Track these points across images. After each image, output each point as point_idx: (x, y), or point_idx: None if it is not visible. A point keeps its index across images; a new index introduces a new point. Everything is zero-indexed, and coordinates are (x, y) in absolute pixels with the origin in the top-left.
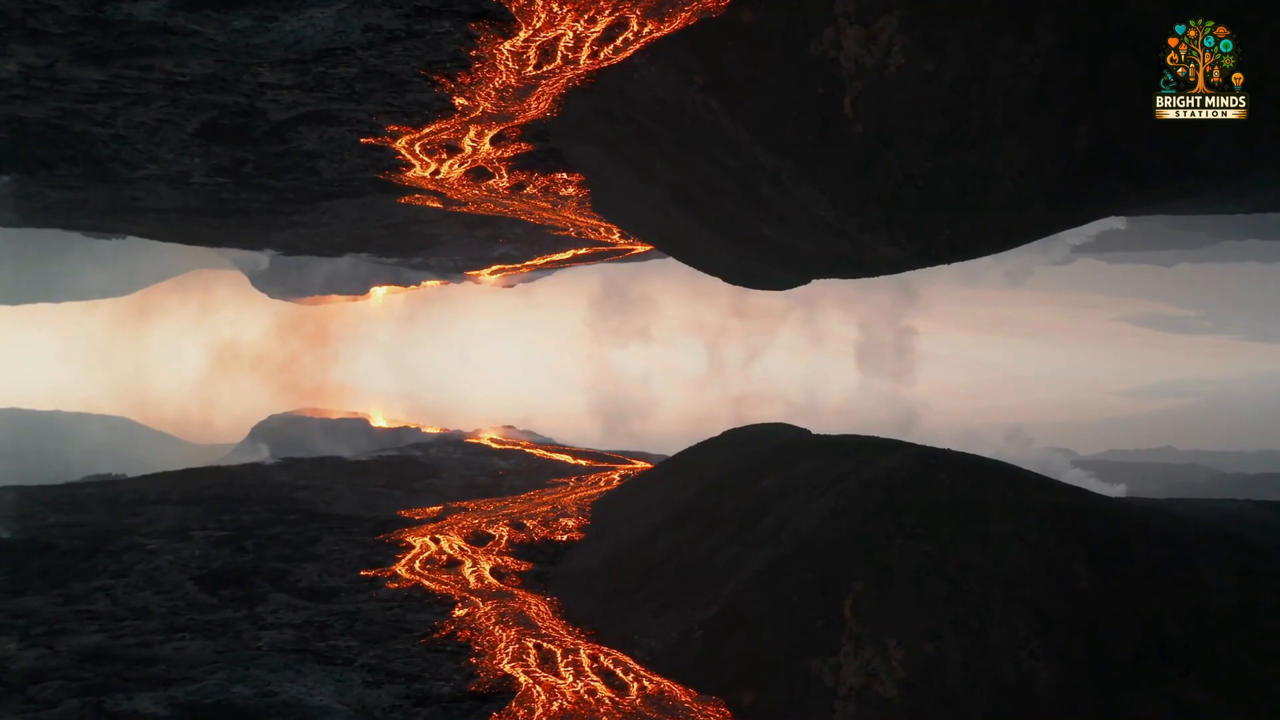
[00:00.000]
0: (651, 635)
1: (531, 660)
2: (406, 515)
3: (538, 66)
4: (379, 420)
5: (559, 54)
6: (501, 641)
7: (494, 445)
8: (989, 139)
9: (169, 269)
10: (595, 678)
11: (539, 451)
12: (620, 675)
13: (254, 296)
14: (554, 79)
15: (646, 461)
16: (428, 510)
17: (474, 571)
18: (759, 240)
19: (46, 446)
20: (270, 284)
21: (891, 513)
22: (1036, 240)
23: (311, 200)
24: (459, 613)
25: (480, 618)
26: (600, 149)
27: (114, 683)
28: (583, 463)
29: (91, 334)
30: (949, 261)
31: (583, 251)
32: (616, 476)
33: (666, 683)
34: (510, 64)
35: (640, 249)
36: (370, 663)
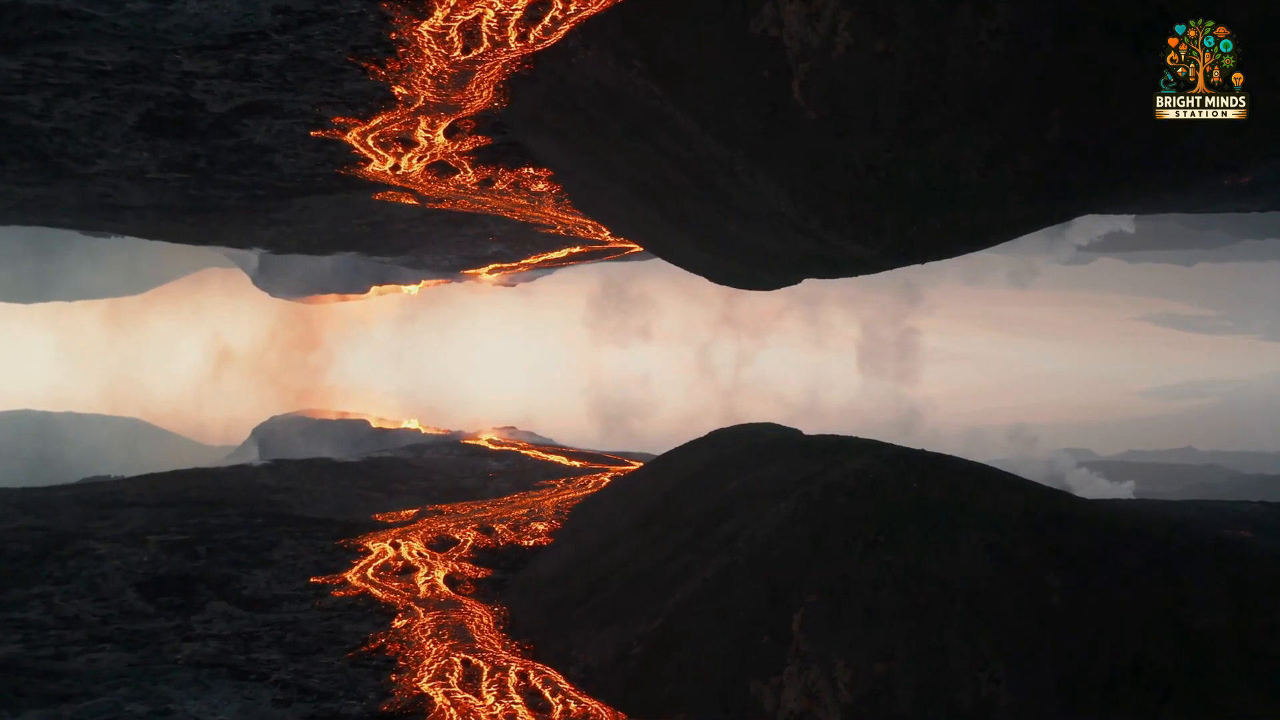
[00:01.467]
0: (589, 650)
1: (455, 678)
2: (380, 519)
3: (465, 50)
4: (379, 421)
5: (484, 35)
6: (429, 656)
7: (491, 446)
8: (953, 127)
9: (174, 268)
10: (518, 698)
11: (534, 453)
12: (546, 695)
13: (257, 297)
14: (488, 65)
15: (642, 462)
16: (403, 513)
17: (427, 579)
18: (725, 238)
19: (51, 448)
20: (272, 284)
21: (853, 518)
22: (1016, 238)
23: (284, 197)
24: (398, 624)
25: (416, 630)
26: (556, 141)
27: (7, 698)
28: (576, 464)
29: (98, 334)
30: (923, 261)
31: (577, 250)
32: (606, 478)
33: (595, 704)
34: (435, 47)
35: (636, 247)
36: (286, 678)
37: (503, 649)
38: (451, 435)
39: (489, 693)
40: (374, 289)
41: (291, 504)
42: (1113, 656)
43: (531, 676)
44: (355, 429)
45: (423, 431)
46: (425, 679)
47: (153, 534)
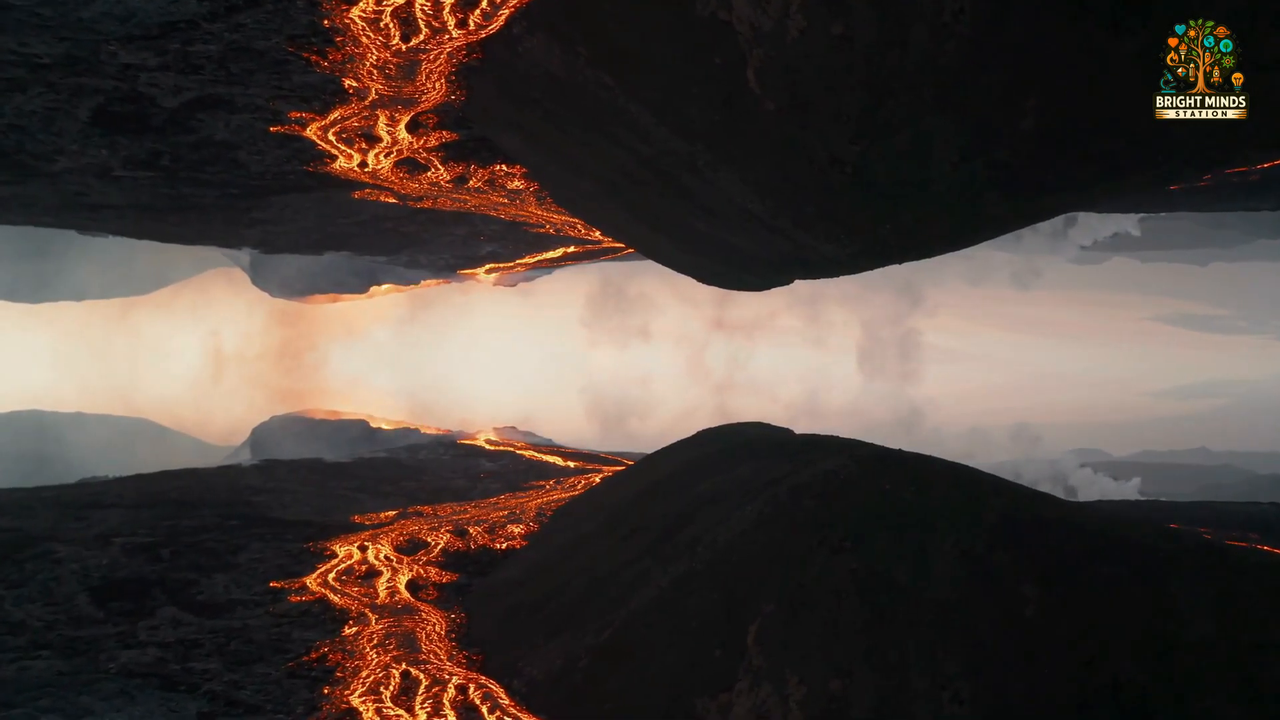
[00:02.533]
0: (536, 662)
1: (389, 691)
2: (358, 520)
3: (405, 38)
4: (379, 421)
5: (421, 21)
6: (367, 668)
7: (487, 447)
8: (920, 117)
9: (174, 267)
10: (451, 714)
11: (530, 453)
12: (483, 712)
13: (256, 297)
14: (433, 54)
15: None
16: (382, 515)
17: (389, 584)
18: (696, 237)
19: (50, 449)
20: (270, 284)
21: (819, 523)
22: (998, 235)
23: (259, 196)
24: (348, 631)
25: (364, 638)
26: (520, 136)
27: None
28: (571, 464)
29: (98, 334)
30: (899, 261)
31: (572, 249)
32: (598, 479)
33: None
34: (372, 35)
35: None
36: (218, 690)
37: (448, 660)
38: (449, 435)
39: (422, 708)
40: (372, 289)
41: (271, 505)
42: (1089, 674)
43: (471, 690)
44: (353, 429)
45: (421, 432)
46: (359, 692)
47: (120, 536)
